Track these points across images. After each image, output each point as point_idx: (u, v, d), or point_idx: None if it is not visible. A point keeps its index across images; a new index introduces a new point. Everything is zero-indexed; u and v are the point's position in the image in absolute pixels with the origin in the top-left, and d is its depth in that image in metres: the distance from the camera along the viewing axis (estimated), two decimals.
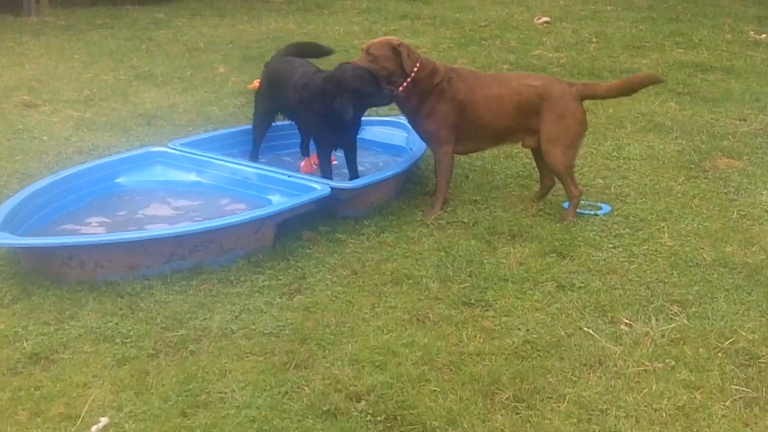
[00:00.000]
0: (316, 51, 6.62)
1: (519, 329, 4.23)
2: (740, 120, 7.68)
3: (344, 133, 5.66)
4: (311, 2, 13.73)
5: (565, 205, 5.69)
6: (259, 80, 8.53)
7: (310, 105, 5.59)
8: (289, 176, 5.51)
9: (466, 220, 5.47)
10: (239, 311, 4.40)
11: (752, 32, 11.76)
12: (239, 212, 5.24)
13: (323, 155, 5.76)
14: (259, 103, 6.21)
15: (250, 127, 6.31)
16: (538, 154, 5.72)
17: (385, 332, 4.20)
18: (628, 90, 5.81)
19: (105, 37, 10.74)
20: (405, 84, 5.49)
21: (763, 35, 11.56)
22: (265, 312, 4.40)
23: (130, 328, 4.22)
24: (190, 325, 4.26)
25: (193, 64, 9.50)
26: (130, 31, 11.16)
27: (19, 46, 10.11)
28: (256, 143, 6.21)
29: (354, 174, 5.77)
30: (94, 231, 5.10)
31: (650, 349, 4.06)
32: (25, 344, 4.08)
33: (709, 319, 4.35)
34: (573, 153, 5.60)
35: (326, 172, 5.71)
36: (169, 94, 8.31)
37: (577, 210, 5.59)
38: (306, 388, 3.78)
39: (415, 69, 5.49)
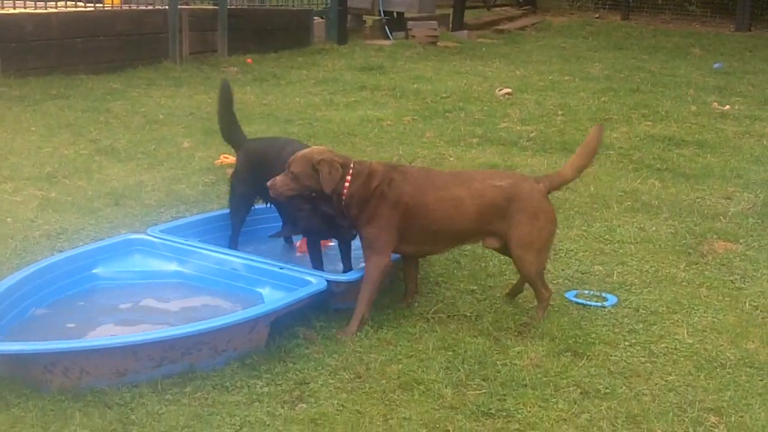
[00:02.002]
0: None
1: None
2: (726, 198, 7.55)
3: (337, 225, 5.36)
4: (267, 72, 13.53)
5: (569, 295, 5.44)
6: (225, 156, 8.34)
7: None
8: (281, 268, 5.18)
9: (468, 314, 5.18)
10: (240, 424, 4.04)
11: (716, 103, 11.82)
12: (227, 308, 4.92)
13: (313, 245, 5.45)
14: (238, 186, 5.87)
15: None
16: (506, 252, 5.25)
17: None
18: (588, 159, 5.20)
19: (62, 109, 10.36)
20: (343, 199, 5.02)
21: (727, 106, 11.61)
22: (269, 425, 4.04)
23: None
24: None
25: (156, 138, 9.17)
26: (86, 102, 10.79)
27: None
28: (236, 228, 5.88)
29: (348, 265, 5.46)
30: (74, 331, 4.72)
31: None
32: None
33: (750, 430, 4.07)
34: (545, 255, 5.17)
35: (317, 262, 5.41)
36: (134, 170, 7.96)
37: (584, 302, 5.35)
38: None
39: (348, 181, 4.99)
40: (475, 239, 5.21)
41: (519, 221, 4.99)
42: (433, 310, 5.22)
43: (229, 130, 6.05)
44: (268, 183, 5.06)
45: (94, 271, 5.36)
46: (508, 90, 12.33)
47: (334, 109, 11.08)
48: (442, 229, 5.06)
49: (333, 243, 5.72)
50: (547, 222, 5.05)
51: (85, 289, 5.22)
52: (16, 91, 11.17)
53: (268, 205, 5.89)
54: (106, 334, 4.58)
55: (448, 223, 5.03)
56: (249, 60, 14.49)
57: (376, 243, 5.00)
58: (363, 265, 5.13)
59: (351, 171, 5.01)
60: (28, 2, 12.64)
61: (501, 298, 5.40)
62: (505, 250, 5.19)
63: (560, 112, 11.02)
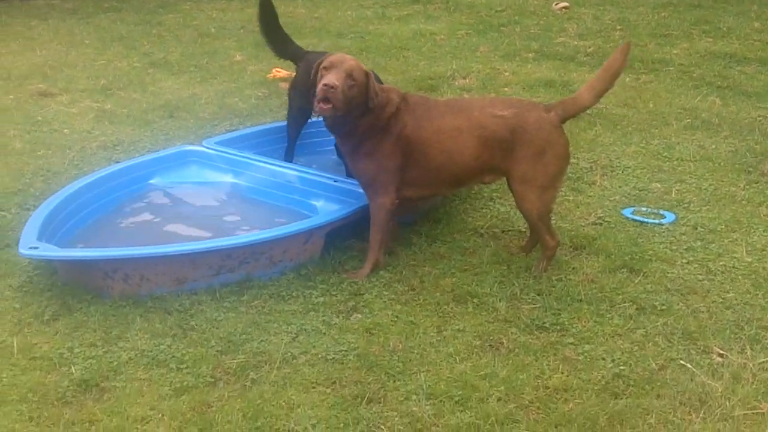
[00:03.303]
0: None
1: (604, 359, 3.92)
2: None
3: None
4: None
5: (625, 212, 5.39)
6: (277, 69, 8.30)
7: None
8: (335, 181, 5.18)
9: (522, 229, 5.15)
10: (296, 332, 4.09)
11: None
12: (282, 219, 4.94)
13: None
14: (294, 99, 5.84)
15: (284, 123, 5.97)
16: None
17: (458, 361, 3.89)
18: (609, 82, 4.57)
19: (114, 22, 10.39)
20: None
21: None
22: (324, 333, 4.09)
23: (184, 351, 3.90)
24: (247, 348, 3.94)
25: (208, 51, 9.16)
26: (138, 15, 10.80)
27: (28, 31, 9.81)
28: (292, 141, 5.87)
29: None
30: (133, 239, 4.78)
31: (753, 386, 3.73)
32: (73, 369, 3.78)
33: None
34: (552, 195, 4.61)
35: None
36: (187, 83, 7.98)
37: (641, 219, 5.29)
38: (383, 427, 3.47)
39: None
40: (479, 179, 4.72)
41: (522, 155, 4.49)
42: (487, 225, 5.21)
43: (283, 45, 5.98)
44: (326, 83, 4.42)
45: (151, 181, 5.42)
46: (565, 4, 12.07)
47: (386, 22, 10.95)
48: (442, 168, 4.61)
49: None
50: (554, 157, 4.51)
51: (143, 198, 5.28)
52: (68, 4, 11.23)
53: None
54: (165, 243, 4.62)
55: (447, 160, 4.58)
56: None
57: (376, 181, 4.62)
58: None
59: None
60: None
61: (556, 213, 5.32)
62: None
63: (618, 27, 10.77)
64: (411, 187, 4.68)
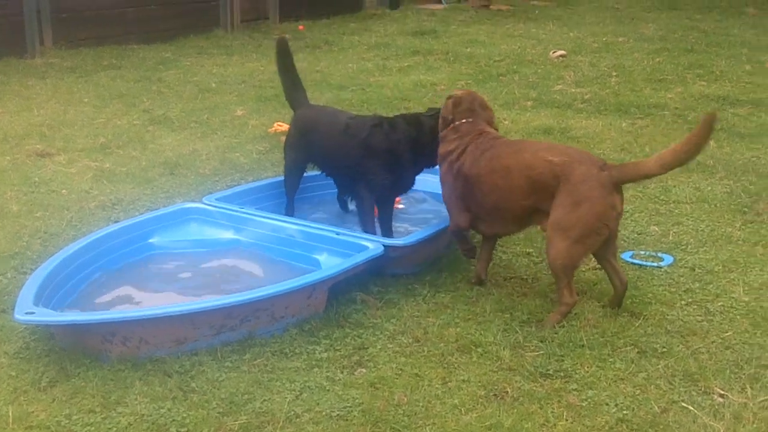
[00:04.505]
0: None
1: (608, 404, 3.90)
2: None
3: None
4: (319, 39, 13.52)
5: (625, 256, 5.40)
6: (279, 123, 8.36)
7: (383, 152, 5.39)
8: (337, 234, 5.19)
9: (524, 276, 5.18)
10: (300, 390, 4.06)
11: None
12: (284, 275, 4.95)
13: (368, 207, 5.49)
14: (289, 153, 5.89)
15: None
16: (600, 255, 4.76)
17: (463, 412, 3.87)
18: (688, 153, 4.35)
19: (113, 79, 10.48)
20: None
21: None
22: (329, 390, 4.06)
23: (185, 414, 3.85)
24: (249, 408, 3.91)
25: (208, 107, 9.23)
26: (138, 72, 10.90)
27: (25, 90, 9.85)
28: (290, 195, 5.92)
29: (385, 229, 5.53)
30: (132, 300, 4.77)
31: (754, 425, 3.73)
32: None
33: None
34: (580, 251, 4.54)
35: (369, 225, 5.46)
36: (188, 139, 8.03)
37: (640, 262, 5.31)
38: None
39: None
40: (536, 219, 4.76)
41: (561, 203, 4.50)
42: (489, 273, 5.21)
43: (291, 90, 6.07)
44: None
45: (150, 240, 5.41)
46: (562, 52, 12.23)
47: (387, 74, 11.07)
48: (498, 206, 4.82)
49: (402, 206, 5.90)
50: (589, 214, 4.45)
51: (142, 258, 5.28)
52: (67, 62, 11.32)
53: (320, 171, 5.90)
54: (164, 303, 4.62)
55: (500, 198, 4.78)
56: (301, 27, 14.51)
57: (447, 205, 5.08)
58: (413, 231, 5.38)
59: (450, 127, 5.11)
60: None
61: None
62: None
63: (615, 74, 10.91)
64: (481, 221, 4.98)
